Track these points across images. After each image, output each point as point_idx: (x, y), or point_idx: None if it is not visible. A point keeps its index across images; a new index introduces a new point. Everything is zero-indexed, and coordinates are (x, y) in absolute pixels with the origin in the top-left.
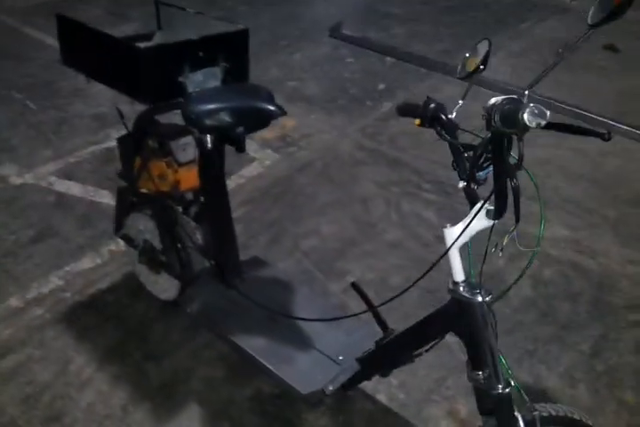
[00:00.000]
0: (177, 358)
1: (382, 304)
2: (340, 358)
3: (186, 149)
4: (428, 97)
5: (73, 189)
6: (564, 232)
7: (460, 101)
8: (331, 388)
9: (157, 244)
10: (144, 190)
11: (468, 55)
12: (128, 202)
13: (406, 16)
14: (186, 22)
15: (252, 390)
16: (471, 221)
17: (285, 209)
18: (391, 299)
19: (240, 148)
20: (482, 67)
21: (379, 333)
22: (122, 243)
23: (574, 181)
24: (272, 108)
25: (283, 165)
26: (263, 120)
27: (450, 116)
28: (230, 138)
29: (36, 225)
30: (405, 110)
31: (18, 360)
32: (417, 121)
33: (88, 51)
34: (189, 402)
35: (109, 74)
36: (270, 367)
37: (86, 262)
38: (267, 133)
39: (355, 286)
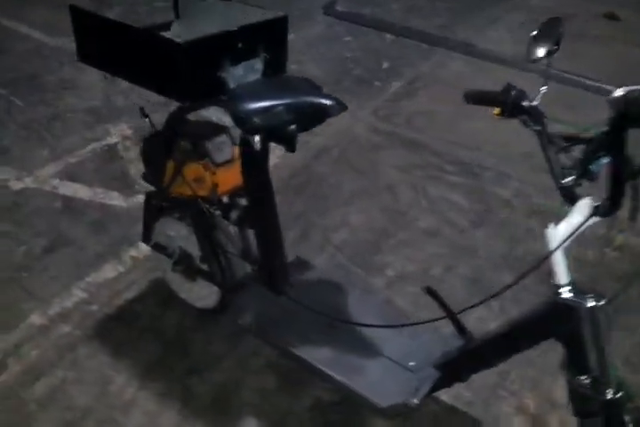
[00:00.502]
0: (223, 369)
1: (462, 311)
2: (411, 364)
3: (222, 148)
4: (508, 83)
5: (79, 191)
6: None
7: (544, 87)
8: (415, 401)
9: (193, 250)
10: (177, 195)
11: (534, 35)
12: (157, 207)
13: None
14: (208, 10)
15: (310, 399)
16: (584, 222)
17: (309, 201)
18: (472, 306)
19: (291, 147)
20: (556, 47)
21: (445, 337)
22: (143, 248)
23: None
24: (330, 103)
25: (298, 154)
26: (320, 117)
27: (534, 103)
28: (280, 137)
29: (47, 234)
30: (478, 98)
31: (51, 384)
32: (496, 110)
33: (110, 45)
34: (245, 416)
35: (137, 71)
36: (340, 379)
37: (108, 271)
38: None
39: (429, 290)
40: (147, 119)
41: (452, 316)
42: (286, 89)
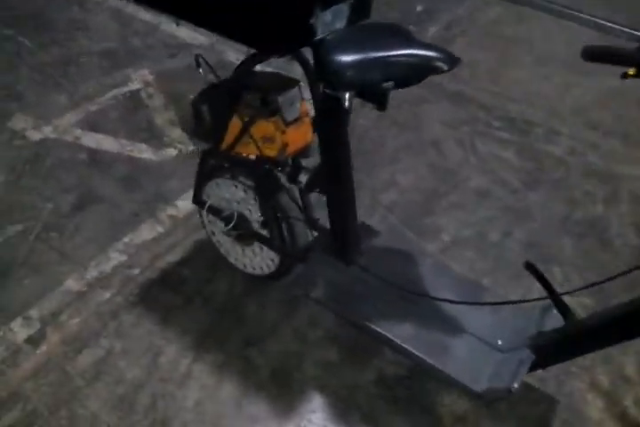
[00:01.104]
0: (281, 339)
1: (570, 292)
2: (499, 342)
3: (293, 104)
4: None
5: (104, 143)
6: None
7: None
8: (516, 385)
9: (251, 214)
10: (239, 154)
11: None
12: (213, 167)
13: None
14: None
15: (374, 373)
16: None
17: (354, 157)
18: (580, 288)
19: (383, 106)
20: None
21: (532, 315)
22: (182, 207)
23: None
24: (439, 56)
25: None
26: (423, 72)
27: None
28: (372, 93)
29: (74, 189)
30: (603, 55)
31: (97, 356)
32: (631, 70)
33: None
34: (309, 390)
35: (213, 15)
36: (425, 358)
37: (146, 232)
38: None
39: (530, 266)
40: (200, 70)
41: (554, 296)
42: (383, 39)
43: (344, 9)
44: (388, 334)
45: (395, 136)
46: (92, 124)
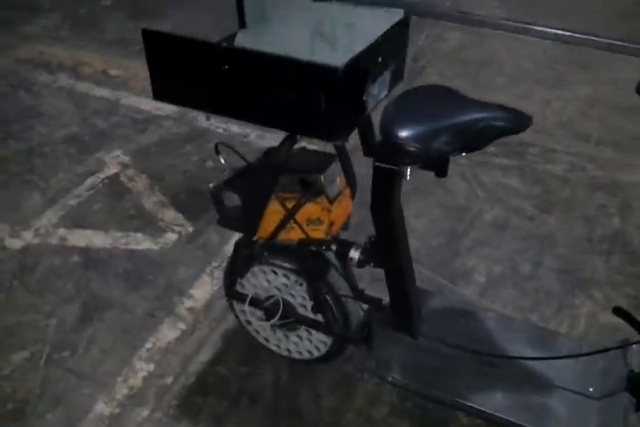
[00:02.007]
0: (346, 425)
1: None
2: (591, 389)
3: (334, 180)
4: None
5: (95, 239)
6: None
7: None
8: None
9: (294, 298)
10: (283, 241)
11: None
12: (249, 256)
13: None
14: (288, 11)
15: None
16: None
17: (362, 209)
18: None
19: (443, 173)
20: None
21: (610, 354)
22: (198, 296)
23: None
24: (512, 117)
25: None
26: (496, 136)
27: None
28: (432, 163)
29: (76, 298)
30: None
31: None
32: None
33: (204, 77)
34: None
35: (249, 104)
36: (525, 424)
37: (168, 332)
38: None
39: (618, 310)
40: (221, 158)
41: None
42: (440, 104)
43: (386, 77)
44: (484, 409)
45: None
46: (75, 221)
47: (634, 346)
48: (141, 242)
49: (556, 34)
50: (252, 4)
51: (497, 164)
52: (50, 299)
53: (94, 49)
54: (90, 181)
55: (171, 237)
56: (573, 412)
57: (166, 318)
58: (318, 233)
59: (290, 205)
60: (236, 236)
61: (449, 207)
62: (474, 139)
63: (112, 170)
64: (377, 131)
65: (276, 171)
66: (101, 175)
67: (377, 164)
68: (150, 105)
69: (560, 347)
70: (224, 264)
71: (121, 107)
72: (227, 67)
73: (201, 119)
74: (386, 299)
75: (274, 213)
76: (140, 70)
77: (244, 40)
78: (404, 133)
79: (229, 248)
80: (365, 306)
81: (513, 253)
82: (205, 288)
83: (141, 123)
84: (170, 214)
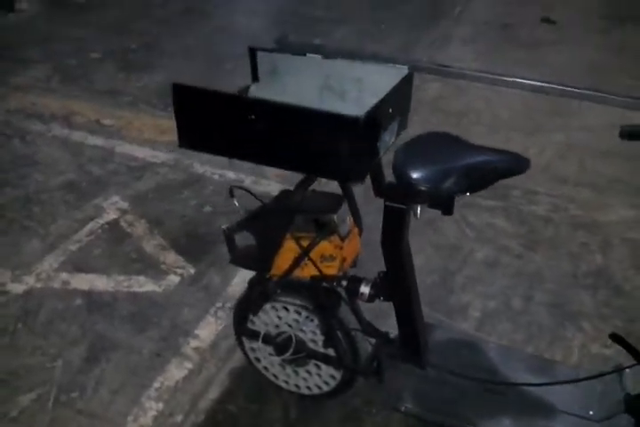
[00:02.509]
0: None
1: None
2: (591, 413)
3: (344, 219)
4: None
5: (97, 283)
6: (631, 213)
7: None
8: None
9: (305, 334)
10: (297, 278)
11: None
12: (261, 293)
13: (336, 18)
14: (298, 66)
15: None
16: None
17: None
18: None
19: (449, 211)
20: None
21: (606, 378)
22: (203, 336)
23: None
24: (512, 160)
25: None
26: (499, 178)
27: None
28: (438, 202)
29: (81, 340)
30: None
31: None
32: None
33: (236, 127)
34: None
35: (284, 153)
36: None
37: (175, 372)
38: None
39: (616, 337)
40: (235, 201)
41: None
42: (446, 148)
43: (395, 126)
44: None
45: None
46: (77, 265)
47: (627, 370)
48: (144, 284)
49: (530, 84)
50: (265, 59)
51: (483, 205)
52: (55, 341)
53: (86, 99)
54: (89, 226)
55: (173, 279)
56: None
57: (173, 358)
58: (331, 269)
59: (304, 243)
60: (239, 277)
61: (441, 246)
62: (479, 179)
63: (111, 215)
64: (386, 173)
65: (293, 211)
66: (100, 221)
67: (387, 203)
68: (145, 153)
69: (558, 373)
70: (227, 305)
71: (116, 155)
72: (253, 117)
73: (196, 166)
74: (393, 332)
75: (289, 251)
76: (133, 119)
77: (257, 92)
78: (416, 175)
79: (232, 289)
80: (373, 339)
81: (505, 288)
82: (210, 328)
83: (137, 170)
84: (171, 257)
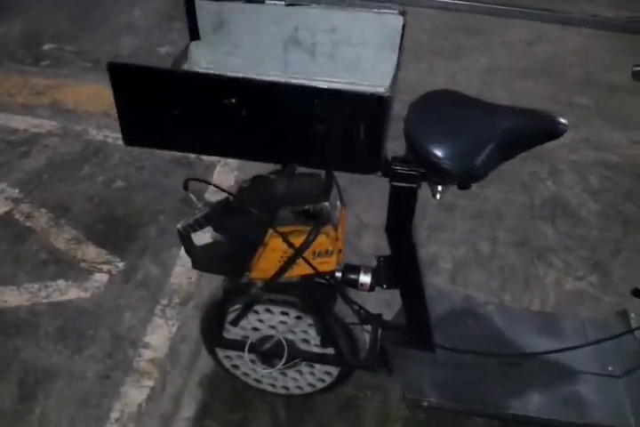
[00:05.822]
0: None
1: None
2: (610, 368)
3: (336, 205)
4: None
5: (7, 297)
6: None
7: None
8: None
9: (295, 334)
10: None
11: None
12: (245, 303)
13: None
14: (253, 18)
15: None
16: None
17: None
18: None
19: (467, 185)
20: None
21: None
22: (156, 343)
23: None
24: (551, 121)
25: None
26: (534, 141)
27: None
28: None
29: (7, 375)
30: None
31: None
32: None
33: (206, 115)
34: None
35: (276, 144)
36: (580, 421)
37: (134, 393)
38: None
39: (638, 292)
40: (191, 195)
41: None
42: (471, 115)
43: None
44: (528, 413)
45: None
46: None
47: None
48: (66, 291)
49: (439, 1)
50: (207, 9)
51: None
52: None
53: None
54: None
55: (100, 278)
56: (603, 395)
57: (127, 377)
58: (328, 265)
59: (294, 239)
60: (181, 265)
61: None
62: (514, 149)
63: (2, 208)
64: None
65: (276, 204)
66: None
67: (395, 183)
68: (24, 122)
69: (565, 331)
70: (175, 300)
71: None
72: (233, 101)
73: (91, 132)
74: (383, 314)
75: (273, 250)
76: None
77: (200, 54)
78: (440, 151)
79: (175, 281)
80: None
81: (469, 233)
82: (162, 332)
83: (20, 145)
84: (90, 251)
